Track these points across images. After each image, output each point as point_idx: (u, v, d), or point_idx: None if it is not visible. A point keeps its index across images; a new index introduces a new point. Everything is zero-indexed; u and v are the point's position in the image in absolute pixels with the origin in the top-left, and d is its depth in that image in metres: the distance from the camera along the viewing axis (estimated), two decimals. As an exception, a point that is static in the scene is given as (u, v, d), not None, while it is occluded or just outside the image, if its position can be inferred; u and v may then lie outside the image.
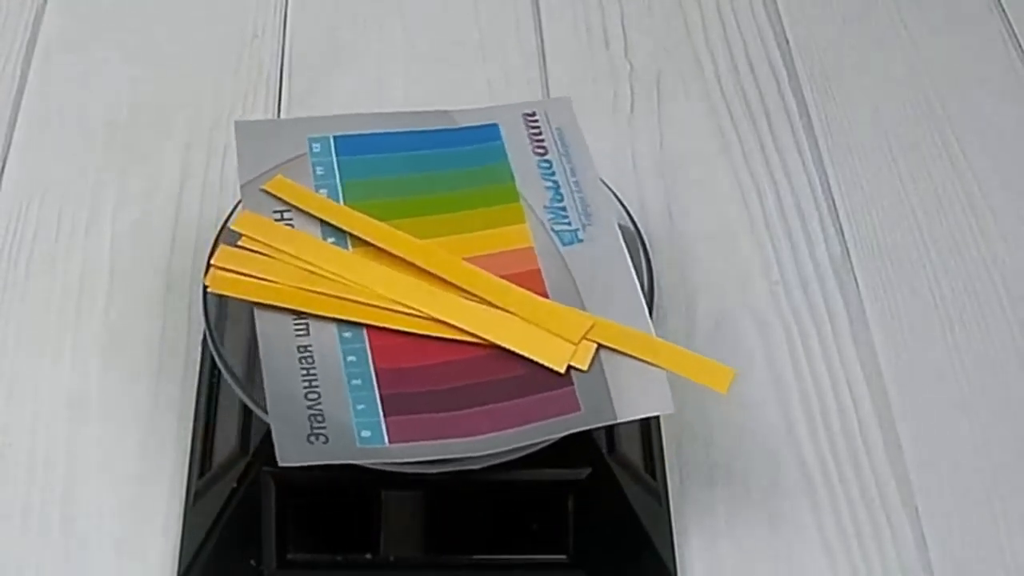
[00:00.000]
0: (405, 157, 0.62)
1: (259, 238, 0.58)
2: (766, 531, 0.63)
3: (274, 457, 0.58)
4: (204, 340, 0.67)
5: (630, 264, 0.59)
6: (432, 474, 0.55)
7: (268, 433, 0.57)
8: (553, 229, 0.61)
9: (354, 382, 0.55)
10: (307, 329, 0.56)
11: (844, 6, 0.90)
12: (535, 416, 0.54)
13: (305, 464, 0.51)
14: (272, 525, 0.58)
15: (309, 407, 0.53)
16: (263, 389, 0.54)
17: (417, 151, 0.62)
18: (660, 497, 0.63)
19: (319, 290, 0.57)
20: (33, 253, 0.72)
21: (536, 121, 0.64)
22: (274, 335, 0.55)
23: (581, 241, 0.60)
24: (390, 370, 0.55)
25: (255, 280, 0.57)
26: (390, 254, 0.58)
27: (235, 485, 0.59)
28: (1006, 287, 0.73)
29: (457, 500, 0.59)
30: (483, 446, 0.53)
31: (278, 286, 0.57)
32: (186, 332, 0.69)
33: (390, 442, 0.53)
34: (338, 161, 0.61)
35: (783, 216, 0.76)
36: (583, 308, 0.58)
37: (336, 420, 0.53)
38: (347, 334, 0.56)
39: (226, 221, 0.60)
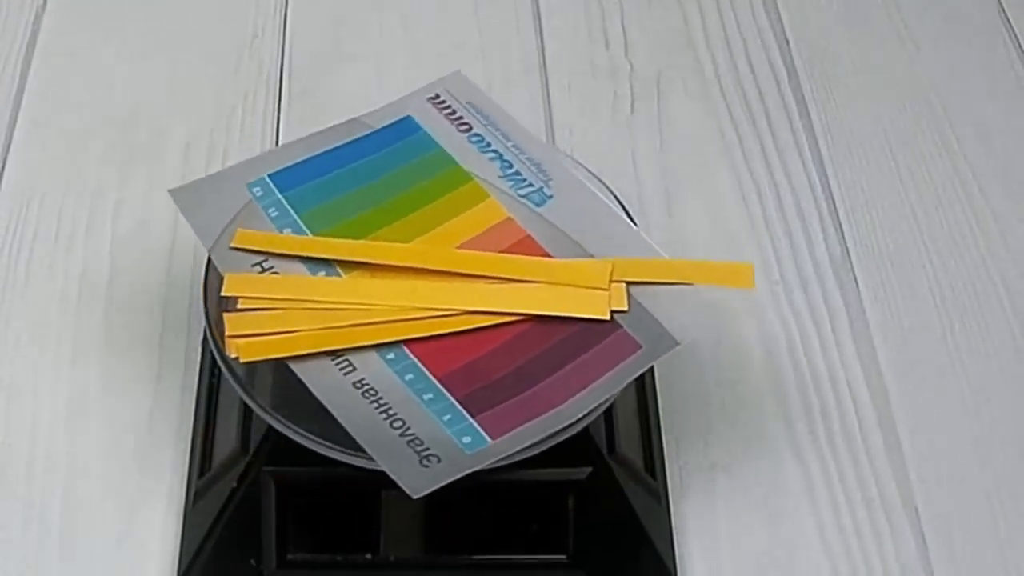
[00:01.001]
0: (345, 173, 0.61)
1: (255, 295, 0.56)
2: (766, 531, 0.63)
3: (274, 457, 0.58)
4: (204, 340, 0.67)
5: (607, 200, 0.61)
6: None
7: (268, 433, 0.58)
8: (519, 195, 0.61)
9: (426, 397, 0.54)
10: (350, 364, 0.55)
11: (844, 7, 0.90)
12: (605, 367, 0.55)
13: (435, 488, 0.51)
14: (272, 525, 0.58)
15: (402, 435, 0.53)
16: (293, 409, 0.54)
17: (352, 164, 0.62)
18: (660, 497, 0.63)
19: (340, 324, 0.55)
20: (33, 253, 0.72)
21: (444, 102, 0.64)
22: (326, 382, 0.54)
23: (551, 197, 0.61)
24: (450, 374, 0.55)
25: (278, 336, 0.55)
26: (385, 266, 0.58)
27: (235, 485, 0.59)
28: (1006, 287, 0.73)
29: (457, 500, 0.59)
30: (576, 410, 0.53)
31: (302, 334, 0.55)
32: (186, 332, 0.69)
33: (492, 439, 0.53)
34: (285, 197, 0.60)
35: (783, 216, 0.76)
36: (590, 256, 0.58)
37: (434, 438, 0.53)
38: (390, 356, 0.55)
39: (205, 281, 0.58)
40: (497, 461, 0.53)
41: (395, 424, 0.53)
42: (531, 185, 0.61)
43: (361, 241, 0.58)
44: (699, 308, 0.66)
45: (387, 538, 0.59)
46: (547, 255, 0.59)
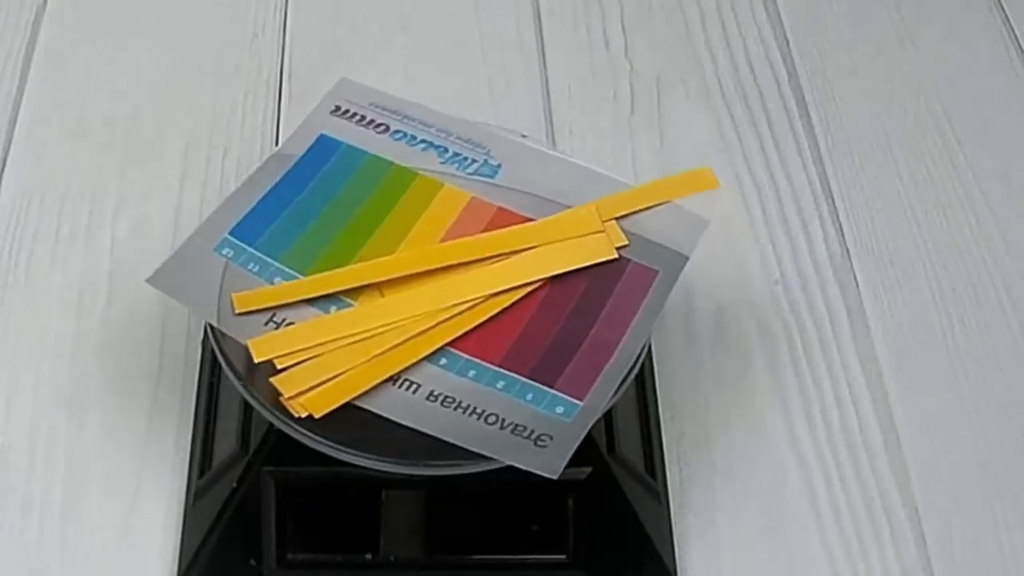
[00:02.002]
0: (296, 207, 0.60)
1: (287, 351, 0.55)
2: (766, 531, 0.63)
3: (274, 457, 0.58)
4: (204, 340, 0.67)
5: (550, 150, 0.62)
6: (431, 476, 0.55)
7: (268, 433, 0.58)
8: (469, 174, 0.61)
9: (499, 385, 0.55)
10: (411, 382, 0.55)
11: (844, 7, 0.90)
12: (637, 298, 0.57)
13: (565, 464, 0.52)
14: (272, 525, 0.58)
15: (503, 428, 0.53)
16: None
17: (298, 196, 0.60)
18: (660, 497, 0.63)
19: (382, 349, 0.55)
20: (33, 253, 0.72)
21: (347, 111, 0.63)
22: (402, 406, 0.54)
23: (500, 166, 0.61)
24: (506, 357, 0.55)
25: (333, 381, 0.54)
26: (389, 282, 0.57)
27: (235, 485, 0.59)
28: (1006, 287, 0.73)
29: (457, 500, 0.59)
30: (635, 343, 0.55)
31: (355, 371, 0.54)
32: (186, 332, 0.69)
33: (581, 400, 0.54)
34: (256, 250, 0.58)
35: (783, 216, 0.76)
36: (568, 207, 0.60)
37: (533, 419, 0.53)
38: (443, 361, 0.55)
39: (222, 352, 0.57)
40: (596, 417, 0.54)
41: (489, 420, 0.53)
42: (475, 161, 0.61)
43: (357, 266, 0.58)
44: (700, 307, 0.66)
45: (387, 538, 0.59)
46: (529, 219, 0.59)
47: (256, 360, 0.54)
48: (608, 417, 0.61)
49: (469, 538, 0.59)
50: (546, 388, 0.55)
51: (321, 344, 0.55)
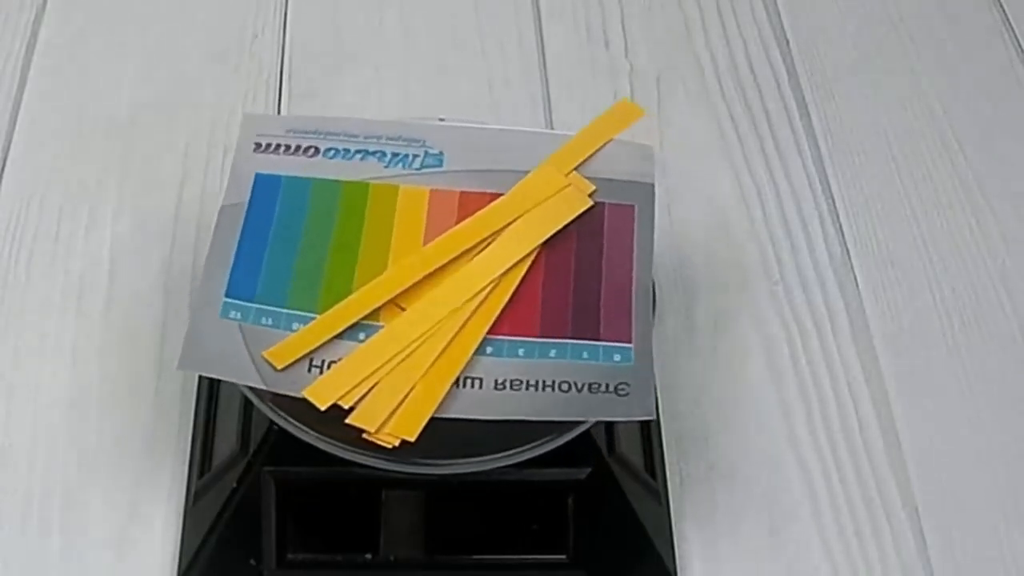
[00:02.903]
0: (273, 251, 0.58)
1: (346, 389, 0.54)
2: (766, 531, 0.63)
3: (274, 457, 0.58)
4: (204, 340, 0.67)
5: (479, 124, 0.62)
6: (435, 475, 0.55)
7: (268, 433, 0.58)
8: (418, 170, 0.60)
9: (552, 354, 0.56)
10: (472, 379, 0.55)
11: (844, 7, 0.89)
12: (627, 239, 0.59)
13: (652, 403, 0.54)
14: (272, 525, 0.58)
15: (582, 391, 0.55)
16: None
17: (268, 241, 0.58)
18: (660, 497, 0.63)
19: (432, 359, 0.55)
20: (33, 253, 0.72)
21: (269, 145, 0.61)
22: (478, 405, 0.54)
23: (442, 152, 0.61)
24: (544, 327, 0.57)
25: (405, 405, 0.54)
26: (404, 294, 0.57)
27: (235, 485, 0.59)
28: (1006, 287, 0.73)
29: (457, 500, 0.59)
30: (645, 273, 0.58)
31: (418, 389, 0.54)
32: (186, 332, 0.69)
33: (631, 342, 0.56)
34: (259, 303, 0.56)
35: (783, 216, 0.76)
36: (525, 172, 0.60)
37: (603, 373, 0.55)
38: (489, 350, 0.56)
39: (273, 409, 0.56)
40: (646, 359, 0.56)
41: (563, 388, 0.55)
42: (416, 155, 0.61)
43: (366, 289, 0.57)
44: (700, 307, 0.66)
45: (387, 538, 0.59)
46: (494, 194, 0.60)
47: (323, 408, 0.53)
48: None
49: (469, 538, 0.59)
50: (594, 342, 0.56)
51: (373, 372, 0.55)
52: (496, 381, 0.55)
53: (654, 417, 0.55)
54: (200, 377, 0.66)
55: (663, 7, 0.89)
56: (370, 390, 0.54)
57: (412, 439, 0.53)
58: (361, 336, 0.56)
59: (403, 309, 0.57)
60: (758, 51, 0.86)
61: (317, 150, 0.61)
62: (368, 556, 0.59)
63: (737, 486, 0.64)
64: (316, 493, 0.59)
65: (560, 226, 0.59)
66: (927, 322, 0.72)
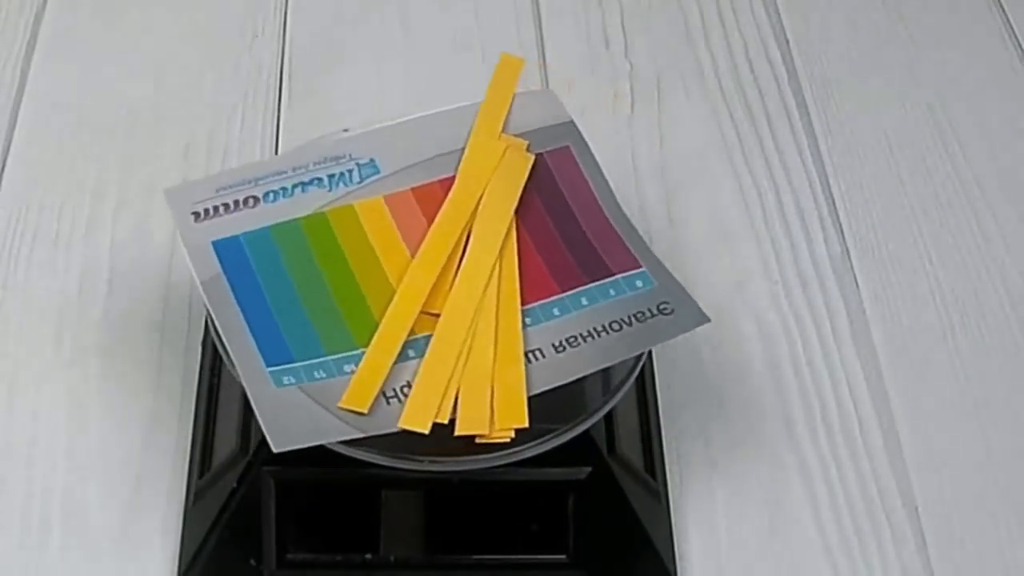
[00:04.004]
0: (278, 308, 0.56)
1: (436, 406, 0.54)
2: (766, 531, 0.63)
3: (274, 457, 0.58)
4: (204, 340, 0.67)
5: (393, 121, 0.62)
6: (435, 472, 0.55)
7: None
8: (361, 183, 0.60)
9: (584, 302, 0.57)
10: (533, 352, 0.55)
11: (844, 6, 0.90)
12: (580, 179, 0.61)
13: (699, 310, 0.57)
14: (272, 525, 0.58)
15: (633, 325, 0.56)
16: None
17: (266, 300, 0.56)
18: (660, 497, 0.63)
19: (493, 347, 0.56)
20: (33, 253, 0.72)
21: (207, 209, 0.58)
22: (551, 373, 0.55)
23: (374, 159, 0.60)
24: (559, 283, 0.58)
25: (498, 397, 0.54)
26: (430, 302, 0.57)
27: (235, 485, 0.59)
28: (1006, 287, 0.73)
29: (457, 500, 0.59)
30: (615, 208, 0.60)
31: (499, 379, 0.55)
32: (186, 332, 0.69)
33: (642, 266, 0.58)
34: (300, 360, 0.55)
35: (783, 216, 0.76)
36: (462, 150, 0.61)
37: (639, 301, 0.57)
38: (528, 320, 0.57)
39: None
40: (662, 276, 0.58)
41: (614, 328, 0.56)
42: (351, 169, 0.60)
43: (395, 309, 0.56)
44: (700, 307, 0.66)
45: (387, 538, 0.59)
46: (445, 179, 0.60)
47: (427, 432, 0.53)
48: (608, 417, 0.61)
49: (469, 538, 0.59)
50: (611, 278, 0.58)
51: (450, 380, 0.55)
52: (554, 346, 0.55)
53: (710, 320, 0.57)
54: (200, 377, 0.66)
55: (663, 7, 0.89)
56: (457, 398, 0.54)
57: (526, 425, 0.53)
58: (411, 353, 0.55)
59: (436, 315, 0.56)
60: (758, 51, 0.86)
61: (256, 199, 0.59)
62: (368, 556, 0.59)
63: (737, 486, 0.64)
64: (316, 493, 0.59)
65: (520, 189, 0.60)
66: (927, 322, 0.72)
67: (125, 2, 0.87)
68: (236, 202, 0.59)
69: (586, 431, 0.56)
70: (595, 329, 0.56)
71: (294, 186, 0.59)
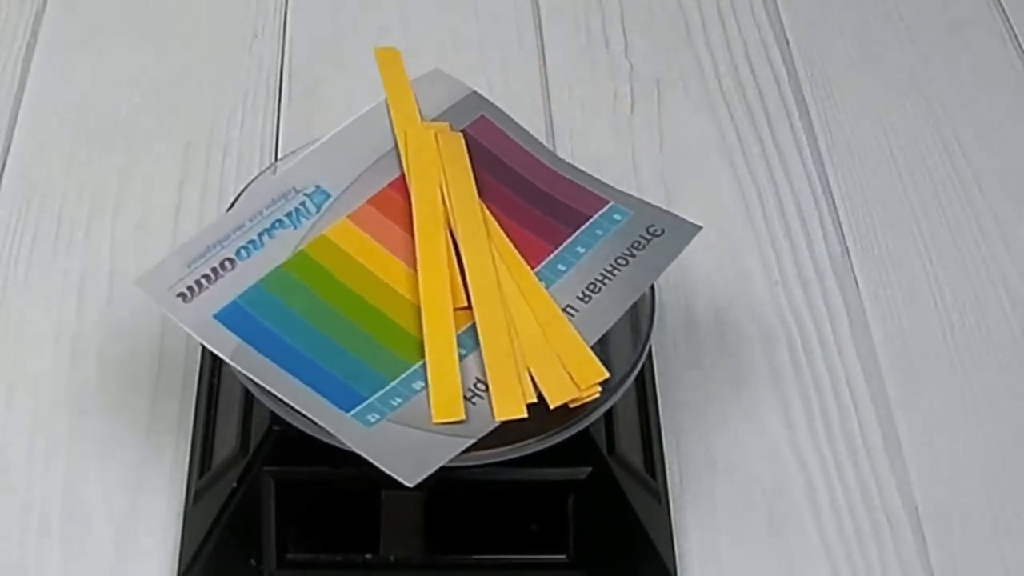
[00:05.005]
0: (315, 350, 0.55)
1: (518, 387, 0.54)
2: (766, 531, 0.63)
3: (274, 457, 0.58)
4: (204, 340, 0.67)
5: (317, 141, 0.61)
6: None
7: (268, 433, 0.58)
8: (320, 212, 0.59)
9: (580, 251, 0.59)
10: (566, 310, 0.57)
11: (844, 7, 0.90)
12: (508, 143, 0.63)
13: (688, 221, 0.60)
14: (272, 525, 0.58)
15: (636, 255, 0.59)
16: None
17: (298, 353, 0.55)
18: (660, 497, 0.63)
19: (535, 316, 0.57)
20: (33, 253, 0.72)
21: (190, 287, 0.56)
22: (593, 322, 0.57)
23: (318, 186, 0.60)
24: (548, 241, 0.59)
25: (566, 362, 0.55)
26: (457, 296, 0.57)
27: (235, 485, 0.59)
28: (1006, 287, 0.73)
29: (457, 500, 0.59)
30: (553, 158, 0.63)
31: (557, 343, 0.56)
32: (186, 332, 0.69)
33: (610, 201, 0.61)
34: (369, 396, 0.54)
35: (783, 216, 0.76)
36: (391, 151, 0.61)
37: (628, 233, 0.60)
38: (543, 283, 0.58)
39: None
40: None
41: (621, 263, 0.59)
42: (303, 201, 0.59)
43: (426, 312, 0.56)
44: (700, 307, 0.66)
45: (387, 538, 0.59)
46: (395, 180, 0.60)
47: (526, 416, 0.53)
48: (608, 417, 0.61)
49: (469, 538, 0.59)
50: (591, 220, 0.60)
51: (517, 361, 0.55)
52: (579, 298, 0.57)
53: (701, 227, 0.60)
54: (200, 377, 0.66)
55: (663, 7, 0.89)
56: (531, 374, 0.55)
57: (607, 375, 0.55)
58: (462, 351, 0.55)
59: (464, 308, 0.56)
60: (758, 51, 0.86)
61: (231, 260, 0.57)
62: (368, 556, 0.59)
63: (737, 486, 0.64)
64: (316, 493, 0.59)
65: (470, 167, 0.61)
66: (927, 322, 0.72)
67: (125, 2, 0.87)
68: (213, 270, 0.56)
69: (586, 431, 0.56)
70: (606, 271, 0.58)
71: (259, 235, 0.58)
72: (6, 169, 0.76)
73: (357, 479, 0.56)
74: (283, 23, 0.86)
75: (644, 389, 0.66)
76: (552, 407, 0.54)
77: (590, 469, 0.59)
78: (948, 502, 0.64)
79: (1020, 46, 0.87)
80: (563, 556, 0.59)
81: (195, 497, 0.61)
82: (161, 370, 0.67)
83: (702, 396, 0.68)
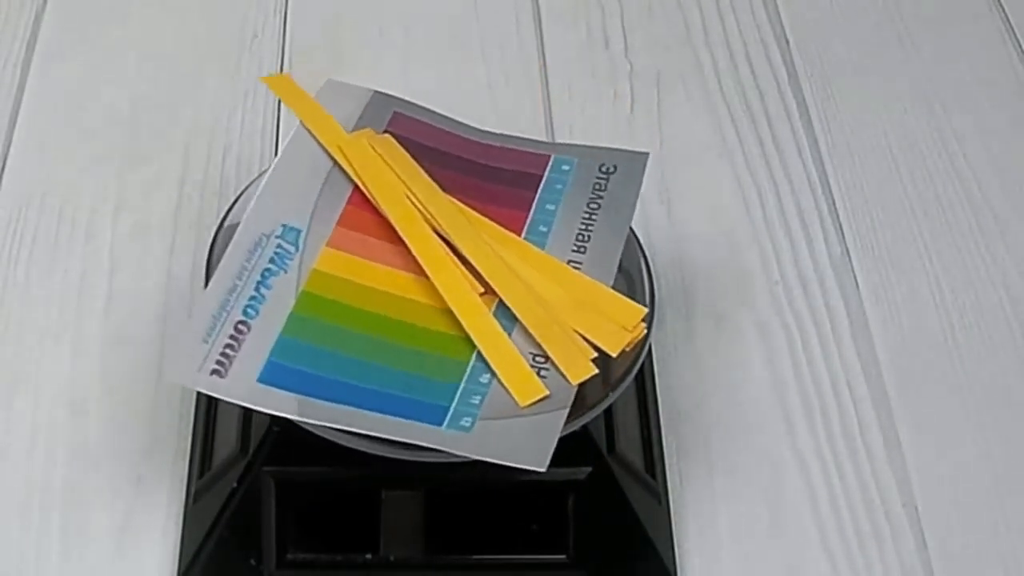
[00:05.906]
0: (375, 381, 0.55)
1: (576, 352, 0.55)
2: (766, 531, 0.63)
3: (274, 457, 0.58)
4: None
5: (261, 180, 0.61)
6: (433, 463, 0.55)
7: (268, 433, 0.58)
8: (296, 249, 0.58)
9: (550, 207, 0.61)
10: (574, 265, 0.58)
11: (844, 7, 0.90)
12: (427, 129, 0.64)
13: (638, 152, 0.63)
14: (272, 525, 0.58)
15: (603, 195, 0.61)
16: None
17: (354, 387, 0.54)
18: (660, 497, 0.63)
19: (552, 284, 0.58)
20: (33, 253, 0.72)
21: (218, 362, 0.54)
22: (604, 273, 0.58)
23: (284, 224, 0.59)
24: (518, 211, 0.61)
25: (606, 313, 0.57)
26: (482, 282, 0.58)
27: (235, 485, 0.59)
28: (1006, 287, 0.73)
29: (457, 500, 0.59)
30: (483, 135, 0.64)
31: (579, 304, 0.57)
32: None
33: (552, 155, 0.63)
34: (452, 404, 0.54)
35: (783, 216, 0.76)
36: (335, 166, 0.61)
37: (584, 180, 0.62)
38: (535, 249, 0.59)
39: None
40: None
41: (594, 206, 0.61)
42: (279, 242, 0.58)
43: (457, 307, 0.57)
44: (700, 307, 0.66)
45: (387, 538, 0.59)
46: (360, 193, 0.61)
47: (596, 371, 0.55)
48: (608, 417, 0.61)
49: (469, 538, 0.59)
50: (543, 178, 0.62)
51: (559, 326, 0.56)
52: (574, 251, 0.59)
53: (648, 152, 0.62)
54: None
55: (663, 7, 0.89)
56: (571, 342, 0.56)
57: (647, 310, 0.57)
58: (507, 328, 0.56)
59: (492, 291, 0.57)
60: (758, 51, 0.86)
61: (243, 322, 0.55)
62: (368, 556, 0.59)
63: (737, 486, 0.64)
64: (316, 493, 0.59)
65: (416, 164, 0.62)
66: (927, 322, 0.72)
67: (125, 2, 0.87)
68: (232, 337, 0.55)
69: (586, 431, 0.56)
70: (584, 219, 0.60)
71: (256, 289, 0.56)
72: (6, 169, 0.76)
73: (357, 479, 0.56)
74: (283, 23, 0.86)
75: (644, 389, 0.66)
76: (615, 356, 0.56)
77: (590, 469, 0.59)
78: (948, 502, 0.64)
79: (1020, 46, 0.87)
80: (563, 556, 0.59)
81: (195, 497, 0.61)
82: (161, 370, 0.67)
83: (702, 396, 0.68)
